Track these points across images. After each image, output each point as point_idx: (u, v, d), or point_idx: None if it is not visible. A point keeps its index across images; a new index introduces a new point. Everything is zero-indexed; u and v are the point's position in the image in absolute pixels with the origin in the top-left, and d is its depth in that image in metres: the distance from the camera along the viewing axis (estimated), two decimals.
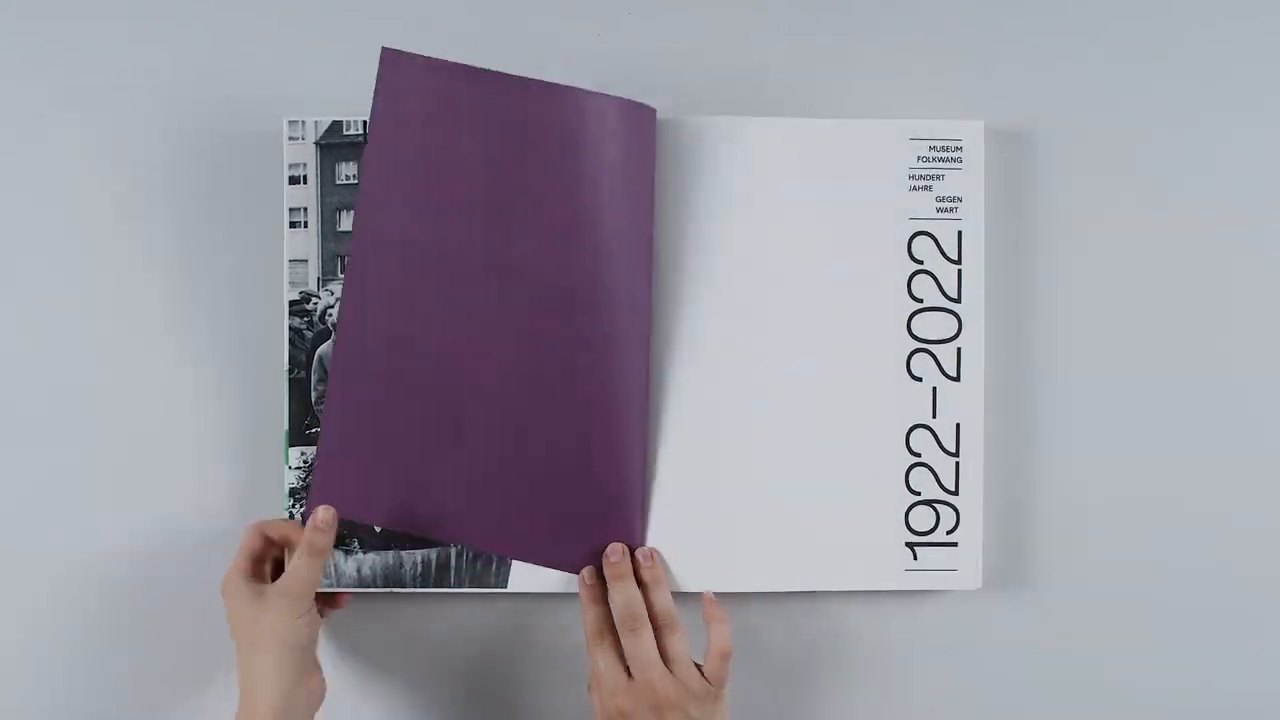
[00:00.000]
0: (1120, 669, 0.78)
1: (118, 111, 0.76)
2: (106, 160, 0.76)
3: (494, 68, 0.76)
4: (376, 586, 0.74)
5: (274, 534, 0.72)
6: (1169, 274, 0.78)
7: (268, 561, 0.72)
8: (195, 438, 0.75)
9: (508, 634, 0.77)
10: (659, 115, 0.74)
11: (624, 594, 0.71)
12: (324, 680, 0.71)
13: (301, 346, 0.74)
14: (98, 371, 0.75)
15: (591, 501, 0.73)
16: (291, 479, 0.74)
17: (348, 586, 0.74)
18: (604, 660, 0.70)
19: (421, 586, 0.74)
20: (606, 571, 0.72)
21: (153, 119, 0.76)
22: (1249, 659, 0.78)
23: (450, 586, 0.74)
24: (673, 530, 0.75)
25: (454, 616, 0.77)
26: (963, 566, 0.76)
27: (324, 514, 0.70)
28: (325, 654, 0.76)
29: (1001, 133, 0.77)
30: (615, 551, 0.73)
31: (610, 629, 0.71)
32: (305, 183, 0.75)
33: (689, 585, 0.75)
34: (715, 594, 0.73)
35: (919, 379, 0.76)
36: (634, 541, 0.74)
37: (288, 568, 0.70)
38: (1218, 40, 0.78)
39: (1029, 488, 0.78)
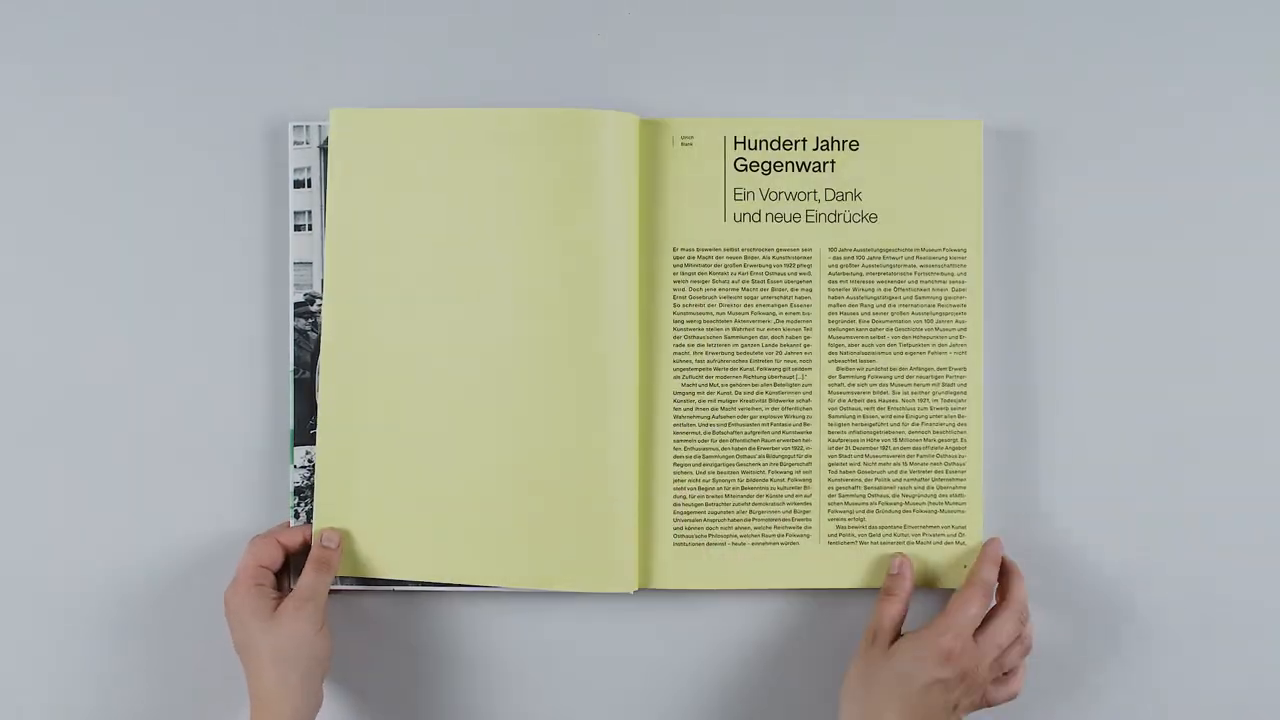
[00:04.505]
0: (1121, 668, 0.78)
1: (122, 115, 0.77)
2: (111, 164, 0.77)
3: (495, 66, 0.77)
4: (376, 584, 0.75)
5: (287, 541, 0.73)
6: (1169, 273, 0.78)
7: (272, 576, 0.73)
8: (201, 438, 0.77)
9: (508, 633, 0.77)
10: (657, 116, 0.75)
11: (1024, 590, 0.74)
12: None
13: (306, 347, 0.76)
14: (101, 373, 0.77)
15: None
16: (296, 478, 0.75)
17: (349, 584, 0.75)
18: (976, 606, 0.71)
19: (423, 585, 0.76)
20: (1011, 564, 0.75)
21: (158, 123, 0.77)
22: (1249, 659, 0.78)
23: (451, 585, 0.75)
24: (684, 528, 0.76)
25: (456, 616, 0.78)
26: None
27: (330, 534, 0.73)
28: None
29: (1001, 132, 0.77)
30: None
31: (993, 594, 0.73)
32: (310, 186, 0.76)
33: (699, 583, 0.76)
34: (708, 590, 0.74)
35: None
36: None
37: (299, 581, 0.72)
38: (1217, 40, 0.78)
39: (1029, 487, 0.77)
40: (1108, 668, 0.78)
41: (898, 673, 0.70)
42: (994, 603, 0.74)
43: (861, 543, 0.76)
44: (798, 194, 0.76)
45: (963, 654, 0.69)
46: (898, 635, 0.73)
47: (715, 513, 0.76)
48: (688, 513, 0.76)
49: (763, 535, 0.76)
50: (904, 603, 0.74)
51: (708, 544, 0.76)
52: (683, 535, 0.76)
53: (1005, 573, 0.74)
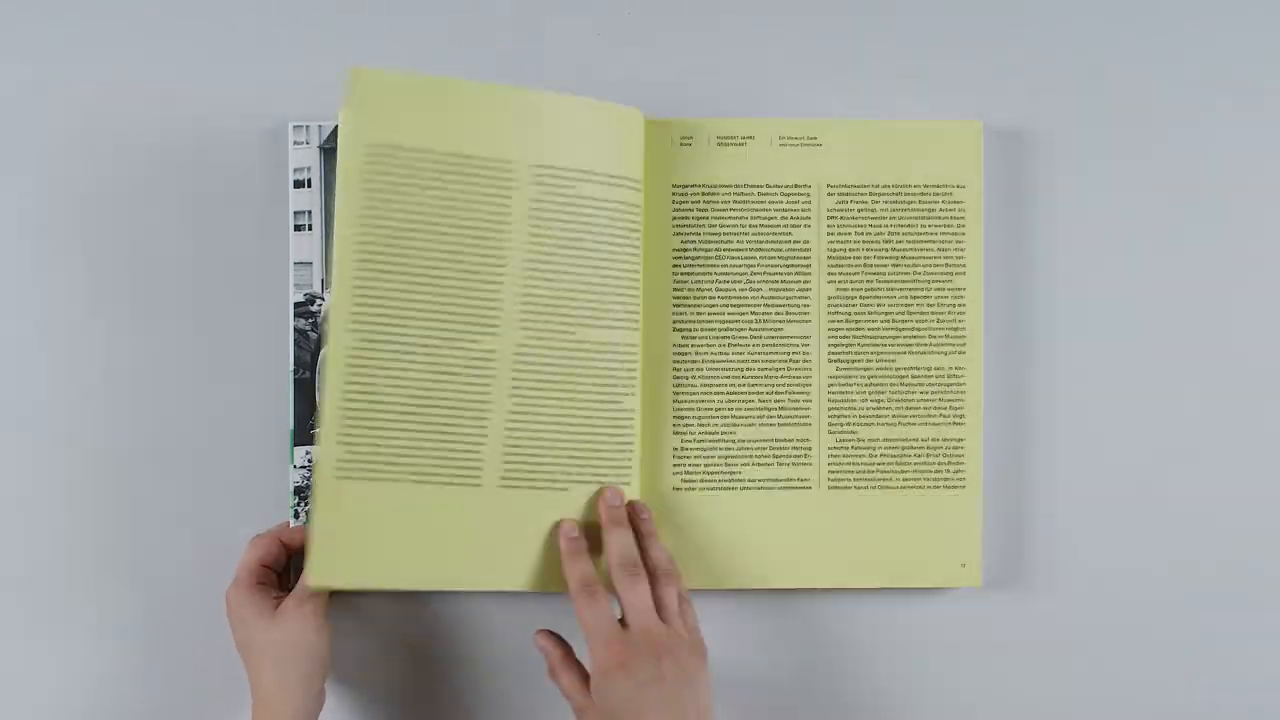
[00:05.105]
0: (1120, 669, 0.78)
1: (122, 115, 0.77)
2: (110, 163, 0.77)
3: (495, 66, 0.77)
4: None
5: (288, 540, 0.73)
6: (1169, 274, 0.78)
7: (273, 575, 0.73)
8: (201, 438, 0.77)
9: (508, 633, 0.78)
10: (657, 115, 0.75)
11: (622, 539, 0.70)
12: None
13: (306, 347, 0.76)
14: (101, 373, 0.77)
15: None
16: (296, 478, 0.75)
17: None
18: (593, 612, 0.67)
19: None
20: (605, 517, 0.71)
21: (158, 123, 0.77)
22: (1249, 659, 0.78)
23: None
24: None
25: (455, 616, 0.78)
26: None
27: None
28: None
29: (1001, 132, 0.77)
30: (616, 496, 0.71)
31: (596, 581, 0.69)
32: (310, 186, 0.76)
33: (699, 582, 0.75)
34: (707, 590, 0.74)
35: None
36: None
37: (300, 581, 0.71)
38: (1217, 40, 0.78)
39: (1029, 487, 0.78)
40: (1107, 665, 0.78)
41: (617, 710, 0.65)
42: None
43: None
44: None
45: (631, 647, 0.66)
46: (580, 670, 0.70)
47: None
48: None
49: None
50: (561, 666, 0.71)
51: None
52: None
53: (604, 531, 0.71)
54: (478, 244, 0.70)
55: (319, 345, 0.75)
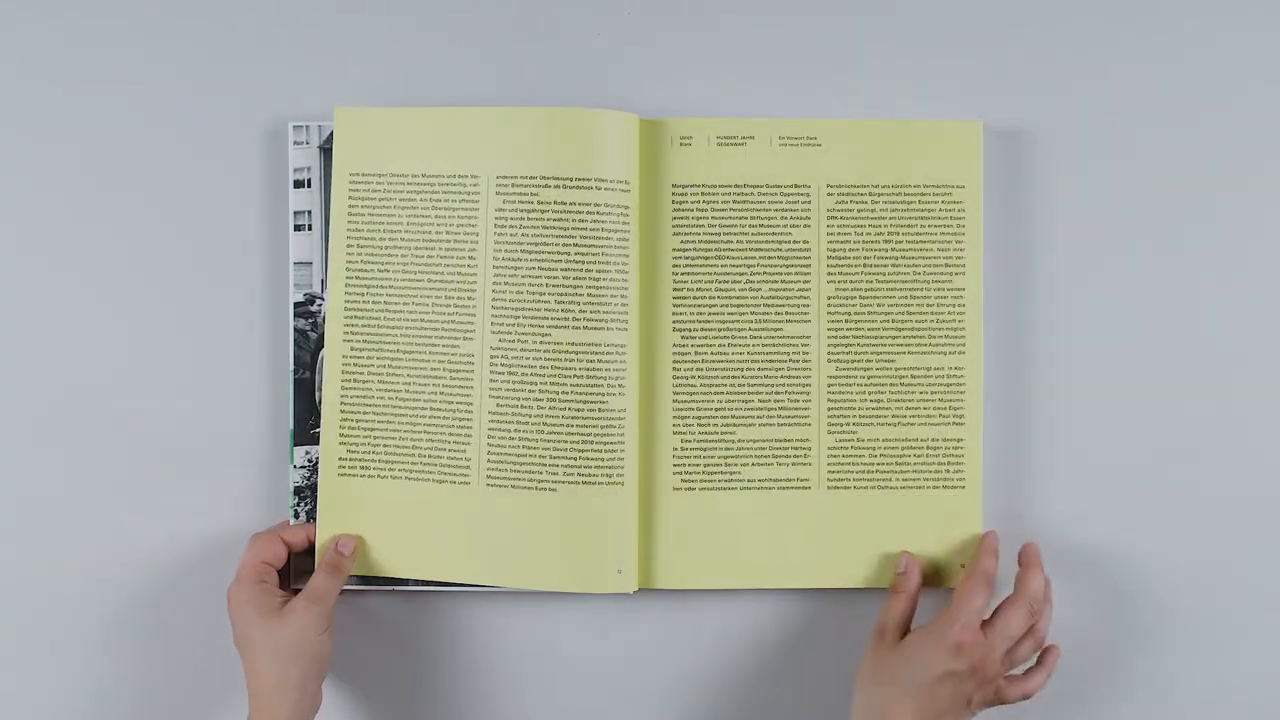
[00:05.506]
0: (1121, 668, 0.78)
1: (122, 115, 0.77)
2: (111, 164, 0.77)
3: (495, 66, 0.77)
4: (377, 584, 0.76)
5: (290, 539, 0.74)
6: (1168, 274, 0.78)
7: (275, 573, 0.73)
8: (201, 438, 0.77)
9: (508, 633, 0.78)
10: (657, 116, 0.75)
11: (1039, 579, 0.73)
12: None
13: (306, 347, 0.76)
14: (101, 374, 0.77)
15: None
16: (296, 478, 0.75)
17: (350, 584, 0.75)
18: (981, 598, 0.71)
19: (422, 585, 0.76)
20: (1027, 558, 0.74)
21: (158, 123, 0.77)
22: (1249, 659, 0.78)
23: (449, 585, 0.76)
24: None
25: (454, 617, 0.78)
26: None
27: (346, 540, 0.74)
28: None
29: (1001, 132, 0.77)
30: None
31: (994, 580, 0.73)
32: (309, 186, 0.76)
33: (699, 583, 0.76)
34: (708, 590, 0.74)
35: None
36: None
37: (310, 582, 0.72)
38: (1217, 40, 0.78)
39: (1029, 487, 0.78)
40: (1107, 665, 0.78)
41: (909, 667, 0.70)
42: (997, 593, 0.74)
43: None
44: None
45: (972, 646, 0.70)
46: (906, 630, 0.73)
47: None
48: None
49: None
50: (911, 599, 0.74)
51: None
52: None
53: (1023, 565, 0.74)
54: (451, 256, 0.74)
55: (319, 345, 0.76)
